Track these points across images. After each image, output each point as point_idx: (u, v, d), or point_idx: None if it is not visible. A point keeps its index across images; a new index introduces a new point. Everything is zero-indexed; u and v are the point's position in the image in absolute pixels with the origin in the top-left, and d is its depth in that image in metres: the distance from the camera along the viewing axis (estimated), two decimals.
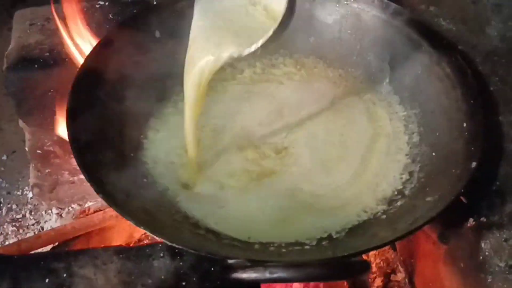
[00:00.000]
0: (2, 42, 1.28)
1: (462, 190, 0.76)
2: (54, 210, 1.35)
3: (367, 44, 1.06)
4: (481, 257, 0.78)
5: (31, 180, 1.30)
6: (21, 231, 1.35)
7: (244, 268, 0.61)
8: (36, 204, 1.38)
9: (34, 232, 1.34)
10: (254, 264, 0.62)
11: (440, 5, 1.16)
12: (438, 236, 0.89)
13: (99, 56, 0.94)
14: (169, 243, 0.70)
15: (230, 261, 0.66)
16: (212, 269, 0.74)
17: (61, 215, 1.34)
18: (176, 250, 0.77)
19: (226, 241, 0.80)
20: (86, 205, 1.30)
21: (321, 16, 1.09)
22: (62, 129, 0.94)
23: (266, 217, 0.84)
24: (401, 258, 1.17)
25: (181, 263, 0.76)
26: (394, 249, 1.19)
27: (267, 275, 0.60)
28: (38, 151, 1.20)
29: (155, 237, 0.72)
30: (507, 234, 0.79)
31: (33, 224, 1.36)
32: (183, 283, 0.75)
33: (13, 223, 1.36)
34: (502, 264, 0.76)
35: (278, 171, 0.91)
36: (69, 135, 0.81)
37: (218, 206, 0.85)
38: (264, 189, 0.88)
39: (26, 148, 1.22)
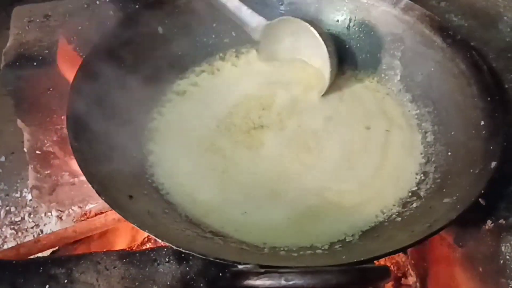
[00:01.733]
0: (0, 40, 1.24)
1: (482, 191, 0.73)
2: (54, 213, 1.32)
3: (377, 41, 1.03)
4: (501, 261, 0.75)
5: (30, 182, 1.27)
6: (20, 234, 1.32)
7: (257, 274, 0.57)
8: (35, 206, 1.34)
9: (34, 236, 1.31)
10: (268, 270, 0.58)
11: (451, 0, 1.13)
12: (454, 239, 0.86)
13: (99, 54, 0.91)
14: (175, 247, 0.66)
15: (240, 267, 0.62)
16: (221, 274, 0.71)
17: (61, 218, 1.31)
18: (183, 255, 0.74)
19: (233, 244, 0.77)
20: (87, 208, 1.26)
21: (330, 11, 1.06)
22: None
23: (287, 220, 0.81)
24: (413, 261, 1.13)
25: (187, 268, 0.73)
26: (405, 252, 1.16)
27: (282, 282, 0.56)
28: (37, 152, 1.17)
29: (160, 241, 0.68)
30: None
31: (32, 227, 1.33)
32: None
33: (12, 226, 1.33)
34: None
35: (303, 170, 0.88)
36: (69, 136, 0.78)
37: (240, 212, 0.82)
38: (292, 190, 0.85)
39: (25, 149, 1.19)
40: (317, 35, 0.96)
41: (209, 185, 0.86)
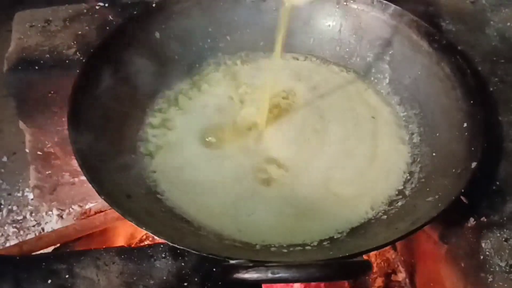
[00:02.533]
0: (1, 43, 1.27)
1: (463, 190, 0.77)
2: (55, 212, 1.35)
3: (367, 45, 1.07)
4: (481, 257, 0.78)
5: (32, 182, 1.30)
6: (21, 232, 1.35)
7: (246, 268, 0.61)
8: (36, 205, 1.37)
9: (35, 234, 1.34)
10: (256, 264, 0.62)
11: (439, 5, 1.16)
12: (439, 236, 0.89)
13: (100, 57, 0.94)
14: (171, 244, 0.70)
15: (231, 262, 0.66)
16: (214, 269, 0.75)
17: (61, 217, 1.34)
18: (178, 251, 0.77)
19: (227, 241, 0.80)
20: (87, 206, 1.29)
21: (321, 16, 1.09)
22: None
23: (284, 218, 0.84)
24: (402, 258, 1.17)
25: (183, 264, 0.77)
26: (395, 249, 1.20)
27: (269, 275, 0.60)
28: (39, 153, 1.20)
29: (156, 237, 0.72)
30: (508, 233, 0.79)
31: (33, 226, 1.36)
32: (185, 284, 0.75)
33: (14, 225, 1.36)
34: (502, 264, 0.77)
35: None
36: (70, 136, 0.81)
37: (246, 214, 0.85)
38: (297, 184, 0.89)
39: (27, 150, 1.22)
40: None
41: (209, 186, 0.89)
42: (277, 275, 0.60)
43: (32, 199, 1.39)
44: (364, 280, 1.12)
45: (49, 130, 1.13)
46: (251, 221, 0.84)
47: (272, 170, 0.90)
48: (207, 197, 0.87)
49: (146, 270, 0.76)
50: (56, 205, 1.34)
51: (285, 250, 0.78)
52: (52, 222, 1.34)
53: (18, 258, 0.79)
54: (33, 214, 1.38)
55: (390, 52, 1.04)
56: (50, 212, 1.35)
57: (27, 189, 1.42)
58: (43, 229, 1.34)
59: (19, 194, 1.43)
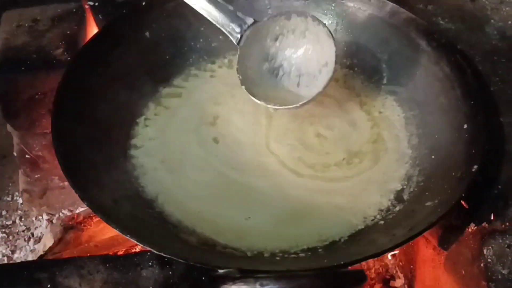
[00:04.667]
0: None
1: (463, 195, 0.73)
2: (45, 216, 1.32)
3: (364, 44, 1.04)
4: (483, 264, 0.75)
5: (21, 186, 1.27)
6: (11, 238, 1.32)
7: (233, 280, 0.58)
8: (26, 210, 1.35)
9: (24, 239, 1.31)
10: (244, 275, 0.58)
11: (438, 3, 1.13)
12: (438, 241, 0.87)
13: (86, 58, 0.92)
14: (157, 252, 0.66)
15: (221, 271, 0.63)
16: (203, 278, 0.71)
17: (51, 221, 1.31)
18: (166, 259, 0.74)
19: (218, 248, 0.77)
20: (77, 211, 1.26)
21: (317, 15, 1.04)
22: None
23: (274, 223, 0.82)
24: (401, 264, 1.14)
25: (170, 273, 0.73)
26: (393, 254, 1.16)
27: (257, 287, 0.57)
28: (27, 156, 1.17)
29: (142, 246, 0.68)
30: (510, 239, 0.76)
31: (23, 231, 1.33)
32: None
33: (3, 230, 1.33)
34: (505, 272, 0.74)
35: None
36: (53, 139, 0.78)
37: (244, 217, 0.82)
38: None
39: (15, 153, 1.19)
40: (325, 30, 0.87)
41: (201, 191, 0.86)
42: (266, 287, 0.56)
43: (21, 204, 1.36)
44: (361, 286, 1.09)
45: (36, 133, 1.11)
46: (247, 225, 0.81)
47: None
48: (199, 199, 0.84)
49: (131, 279, 0.72)
50: (46, 210, 1.31)
51: (278, 258, 0.75)
52: (41, 227, 1.31)
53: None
54: (22, 219, 1.35)
55: (388, 52, 1.01)
56: (39, 217, 1.32)
57: (16, 193, 1.39)
58: (32, 234, 1.31)
59: (9, 199, 1.40)
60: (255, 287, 0.56)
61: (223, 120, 0.96)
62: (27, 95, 1.06)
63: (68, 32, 1.08)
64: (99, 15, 1.11)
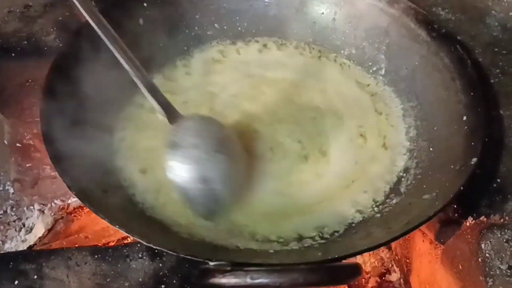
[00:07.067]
0: None
1: (461, 188, 0.72)
2: (36, 206, 1.30)
3: (362, 34, 1.02)
4: (480, 259, 0.74)
5: (12, 175, 1.25)
6: (2, 227, 1.30)
7: (223, 272, 0.56)
8: (17, 200, 1.32)
9: (16, 229, 1.29)
10: (234, 268, 0.56)
11: None
12: (435, 235, 0.85)
13: (77, 44, 0.89)
14: (146, 244, 0.64)
15: (211, 264, 0.61)
16: (194, 271, 0.70)
17: (43, 212, 1.29)
18: (156, 251, 0.73)
19: (208, 240, 0.75)
20: (69, 201, 1.24)
21: (314, 3, 1.04)
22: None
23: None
24: (397, 258, 1.12)
25: (160, 265, 0.72)
26: (389, 248, 1.15)
27: (248, 280, 0.55)
28: (18, 145, 1.15)
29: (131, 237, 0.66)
30: (509, 234, 0.75)
31: (14, 221, 1.30)
32: (163, 286, 0.70)
33: None
34: (503, 267, 0.72)
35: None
36: (42, 127, 0.76)
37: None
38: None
39: (5, 142, 1.17)
40: None
41: None
42: (256, 281, 0.55)
43: (13, 193, 1.34)
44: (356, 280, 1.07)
45: (27, 121, 1.08)
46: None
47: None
48: None
49: (121, 271, 0.71)
50: (37, 200, 1.29)
51: (271, 251, 0.73)
52: (33, 217, 1.29)
53: None
54: (14, 209, 1.32)
55: (386, 42, 0.99)
56: (31, 207, 1.30)
57: (8, 183, 1.36)
58: (23, 225, 1.29)
59: (0, 188, 1.37)
60: (246, 280, 0.55)
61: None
62: (18, 82, 1.03)
63: (61, 18, 1.06)
64: (92, 1, 1.09)
